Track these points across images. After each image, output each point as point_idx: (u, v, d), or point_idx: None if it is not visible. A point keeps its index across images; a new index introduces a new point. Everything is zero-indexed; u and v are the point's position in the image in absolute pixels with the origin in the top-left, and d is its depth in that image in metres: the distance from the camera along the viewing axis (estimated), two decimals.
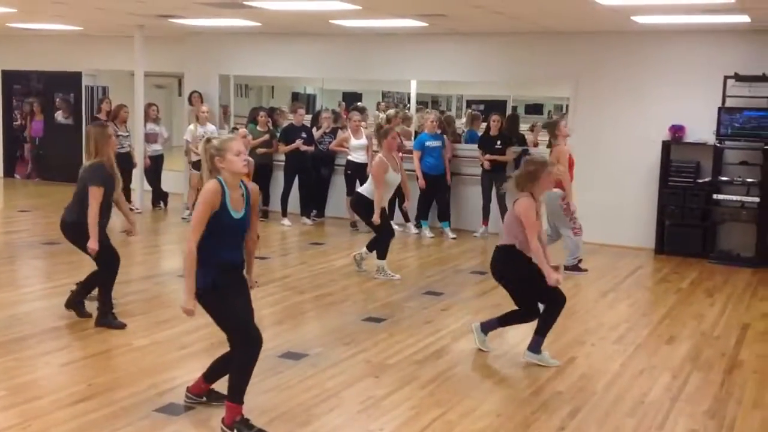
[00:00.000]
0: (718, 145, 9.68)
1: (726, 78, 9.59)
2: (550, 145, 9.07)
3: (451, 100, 17.66)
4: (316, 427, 4.49)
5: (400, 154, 9.41)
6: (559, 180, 7.99)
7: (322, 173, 11.85)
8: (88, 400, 4.73)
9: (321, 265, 8.86)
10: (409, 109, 13.37)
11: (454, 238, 10.70)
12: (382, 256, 8.30)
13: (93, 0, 9.62)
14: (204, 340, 5.81)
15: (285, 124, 12.05)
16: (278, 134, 11.69)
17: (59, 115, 15.31)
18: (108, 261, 6.26)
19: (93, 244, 6.03)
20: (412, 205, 10.67)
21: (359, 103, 14.03)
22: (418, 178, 10.67)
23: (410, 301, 7.41)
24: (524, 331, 5.87)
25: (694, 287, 8.47)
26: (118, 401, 4.73)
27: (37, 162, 15.50)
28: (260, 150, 11.13)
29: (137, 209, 12.09)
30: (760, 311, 7.53)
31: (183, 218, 11.38)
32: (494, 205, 10.83)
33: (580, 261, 8.90)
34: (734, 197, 9.66)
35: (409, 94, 13.54)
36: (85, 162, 6.24)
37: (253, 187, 4.48)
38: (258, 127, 11.54)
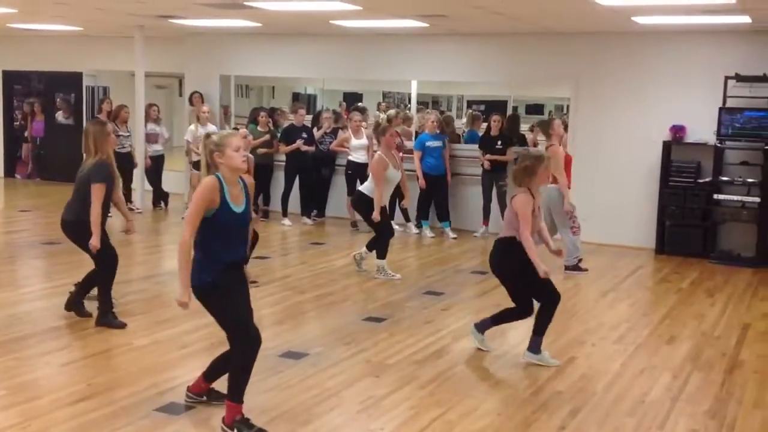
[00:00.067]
0: (719, 145, 9.68)
1: (727, 78, 9.59)
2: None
3: (451, 101, 17.64)
4: (316, 426, 4.49)
5: (401, 154, 9.42)
6: (554, 175, 8.00)
7: (323, 173, 11.85)
8: (88, 399, 4.73)
9: (321, 265, 8.86)
10: (409, 109, 13.37)
11: (454, 238, 10.70)
12: (381, 255, 8.31)
13: (93, 0, 9.63)
14: (204, 340, 5.81)
15: (286, 124, 12.06)
16: (279, 134, 11.69)
17: (60, 116, 15.32)
18: (107, 260, 6.26)
19: (95, 241, 6.04)
20: (412, 205, 10.68)
21: (360, 104, 14.03)
22: (418, 179, 10.68)
23: (410, 301, 7.42)
24: (524, 331, 5.87)
25: (694, 287, 8.46)
26: (119, 401, 4.73)
27: (38, 162, 15.51)
28: (261, 150, 11.12)
29: (138, 209, 12.10)
30: (760, 311, 7.52)
31: (183, 218, 11.35)
32: (494, 205, 10.83)
33: (580, 261, 8.90)
34: (735, 197, 9.66)
35: (409, 95, 13.54)
36: (85, 160, 6.23)
37: (248, 179, 4.49)
38: (259, 128, 11.54)
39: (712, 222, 9.89)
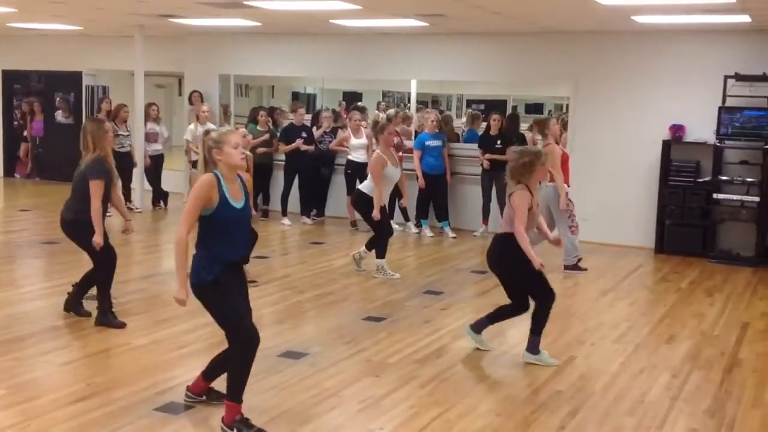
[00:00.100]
0: (719, 144, 9.68)
1: (726, 77, 9.59)
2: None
3: (451, 100, 17.62)
4: (316, 426, 4.49)
5: (400, 154, 9.41)
6: (551, 173, 8.02)
7: (322, 173, 11.85)
8: (87, 399, 4.73)
9: (321, 265, 8.86)
10: (409, 108, 13.37)
11: (453, 238, 10.70)
12: (381, 255, 8.30)
13: (93, 0, 9.63)
14: (204, 339, 5.81)
15: (285, 123, 12.05)
16: (278, 134, 11.69)
17: (59, 115, 15.31)
18: (105, 259, 6.26)
19: (98, 238, 6.03)
20: (411, 204, 10.68)
21: (359, 103, 14.00)
22: (417, 178, 10.68)
23: (410, 301, 7.42)
24: (524, 331, 5.86)
25: (693, 286, 8.47)
26: (118, 400, 4.73)
27: (37, 162, 15.50)
28: (260, 149, 11.12)
29: (137, 209, 12.10)
30: (759, 310, 7.53)
31: None
32: (494, 204, 10.83)
33: (579, 260, 8.90)
34: (734, 197, 9.66)
35: (409, 94, 13.52)
36: (83, 158, 6.22)
37: (245, 175, 4.48)
38: (258, 127, 11.54)
39: (711, 221, 9.89)
